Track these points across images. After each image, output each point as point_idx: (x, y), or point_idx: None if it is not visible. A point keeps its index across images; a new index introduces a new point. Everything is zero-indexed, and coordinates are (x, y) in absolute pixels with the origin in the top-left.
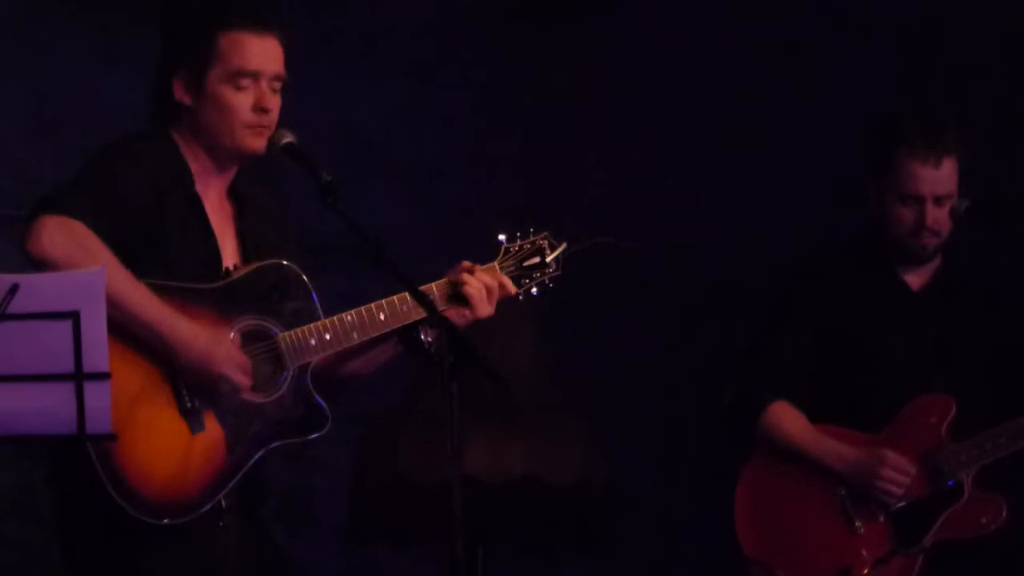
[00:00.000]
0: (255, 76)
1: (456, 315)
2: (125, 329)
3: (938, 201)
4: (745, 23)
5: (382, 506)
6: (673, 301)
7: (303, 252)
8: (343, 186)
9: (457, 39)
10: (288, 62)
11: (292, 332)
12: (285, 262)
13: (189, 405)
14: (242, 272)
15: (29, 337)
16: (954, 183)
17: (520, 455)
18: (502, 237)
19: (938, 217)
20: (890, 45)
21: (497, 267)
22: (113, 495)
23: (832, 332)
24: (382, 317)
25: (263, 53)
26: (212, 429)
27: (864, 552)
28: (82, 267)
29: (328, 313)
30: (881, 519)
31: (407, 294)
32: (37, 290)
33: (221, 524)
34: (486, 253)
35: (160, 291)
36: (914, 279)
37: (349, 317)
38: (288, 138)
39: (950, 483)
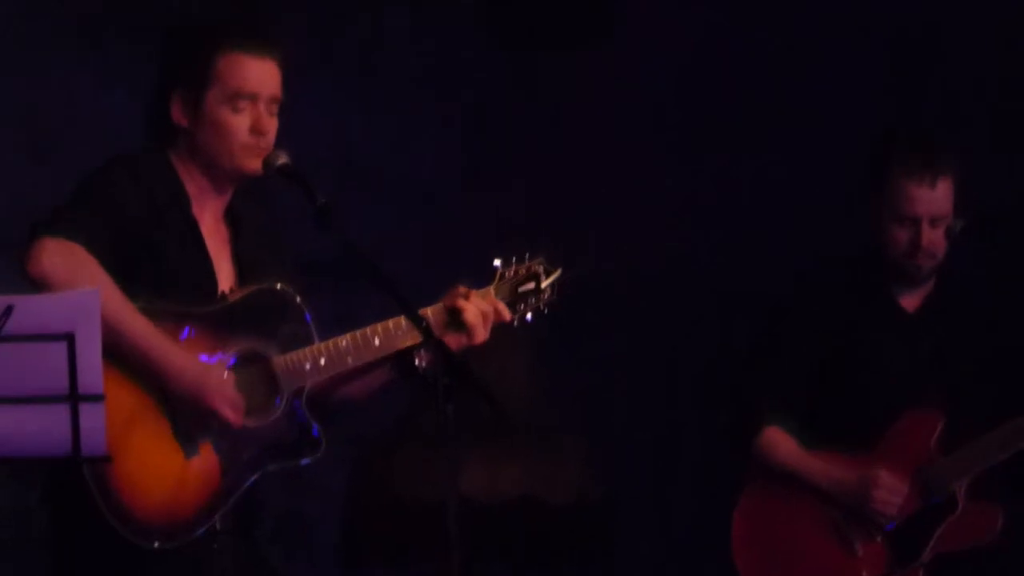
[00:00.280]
0: (253, 98)
1: (451, 340)
2: (118, 354)
3: (933, 222)
4: (737, 44)
5: (378, 528)
6: (670, 318)
7: (299, 274)
8: (338, 207)
9: (452, 62)
10: (286, 84)
11: (287, 356)
12: (281, 285)
13: (183, 429)
14: (238, 295)
15: (24, 358)
16: (949, 204)
17: (516, 475)
18: (497, 262)
19: (933, 238)
20: (886, 54)
21: (492, 292)
22: (107, 517)
23: (826, 353)
24: (377, 342)
25: (261, 75)
26: (206, 453)
27: (864, 573)
28: (80, 289)
29: (323, 335)
30: (878, 539)
31: (402, 318)
32: (32, 311)
33: (215, 547)
34: (482, 275)
35: (156, 314)
36: (909, 299)
37: (344, 341)
38: (283, 159)
39: (943, 497)
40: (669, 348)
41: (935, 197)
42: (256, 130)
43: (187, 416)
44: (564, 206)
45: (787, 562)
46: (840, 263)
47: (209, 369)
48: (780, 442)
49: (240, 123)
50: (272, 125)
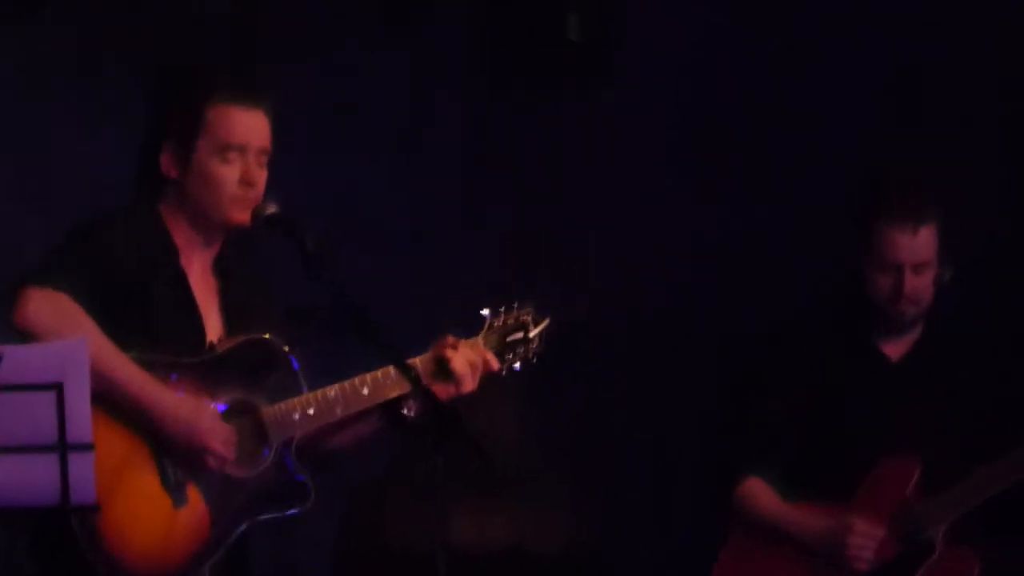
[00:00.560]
0: (242, 149)
1: (440, 390)
2: (109, 401)
3: (916, 269)
4: (734, 82)
5: None
6: (662, 363)
7: (288, 324)
8: (328, 256)
9: (443, 105)
10: (274, 135)
11: (275, 406)
12: (269, 336)
13: (172, 478)
14: (226, 346)
15: (12, 408)
16: (933, 251)
17: (505, 525)
18: (485, 312)
19: (917, 285)
20: (880, 94)
21: (481, 342)
22: (95, 566)
23: (808, 402)
24: (365, 391)
25: (250, 127)
26: (195, 503)
27: None
28: (67, 339)
29: (312, 384)
30: None
31: (390, 369)
32: (20, 361)
33: None
34: (472, 324)
35: (144, 365)
36: (894, 347)
37: (332, 392)
38: (272, 209)
39: (920, 542)
40: (661, 395)
41: (918, 244)
42: (245, 181)
43: (177, 462)
44: (557, 251)
45: None
46: (824, 310)
47: (201, 408)
48: (760, 494)
49: (229, 174)
50: (261, 176)
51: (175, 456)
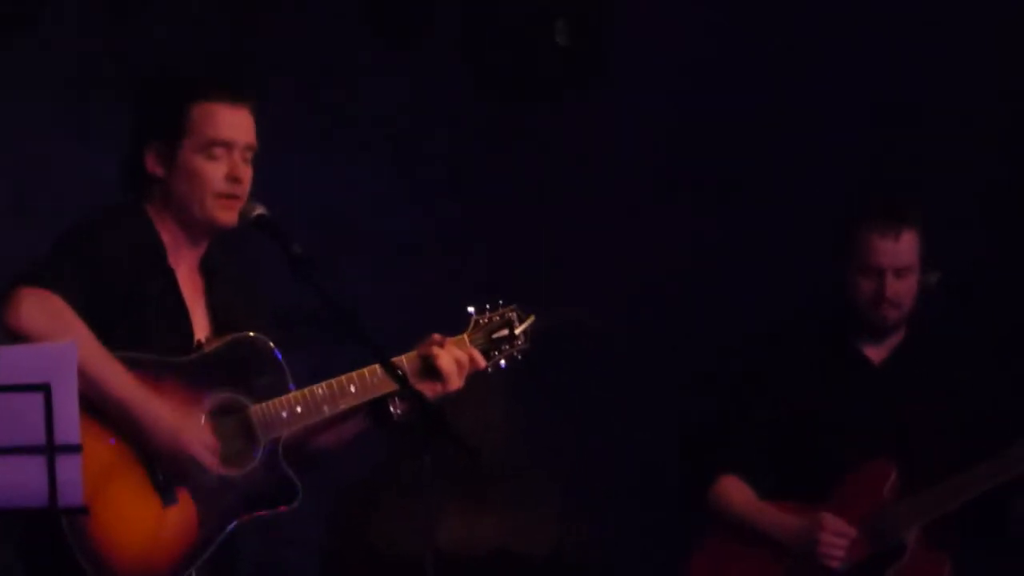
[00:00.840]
0: (228, 146)
1: (426, 388)
2: (96, 404)
3: (898, 273)
4: (722, 96)
5: None
6: (652, 363)
7: (274, 324)
8: (315, 258)
9: (432, 115)
10: (259, 132)
11: (263, 405)
12: (256, 335)
13: (161, 479)
14: (214, 345)
15: (0, 409)
16: (914, 256)
17: (493, 526)
18: (471, 309)
19: (898, 289)
20: (870, 118)
21: (467, 340)
22: (83, 567)
23: (789, 404)
24: (352, 390)
25: (236, 123)
26: (184, 503)
27: None
28: (58, 340)
29: (299, 385)
30: None
31: (376, 367)
32: (8, 362)
33: None
34: (459, 328)
35: (133, 364)
36: (876, 352)
37: (320, 390)
38: (259, 210)
39: (893, 543)
40: (650, 394)
41: (899, 249)
42: (232, 177)
43: (166, 463)
44: (545, 259)
45: None
46: (807, 315)
47: (186, 417)
48: (735, 492)
49: (216, 171)
50: (247, 173)
51: (164, 461)
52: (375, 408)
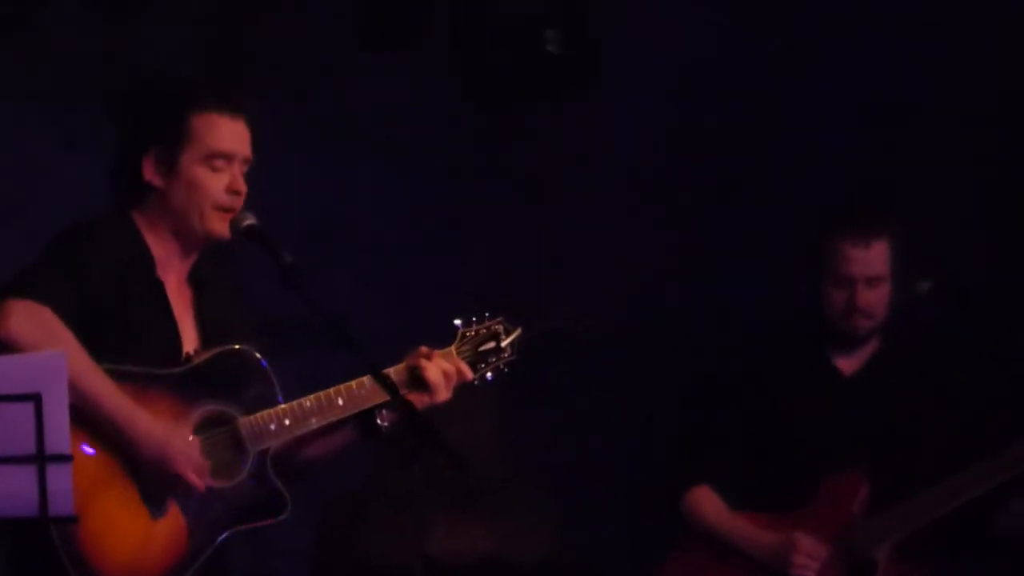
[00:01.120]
0: (229, 158)
1: (414, 400)
2: (85, 415)
3: (870, 283)
4: (715, 101)
5: None
6: (642, 373)
7: (263, 335)
8: (307, 268)
9: (425, 120)
10: (254, 139)
11: (252, 417)
12: (245, 347)
13: (150, 490)
14: (203, 357)
15: None
16: (885, 265)
17: (482, 536)
18: (458, 321)
19: (870, 299)
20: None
21: (454, 352)
22: None
23: (762, 417)
24: (340, 402)
25: (236, 135)
26: (174, 514)
27: None
28: (47, 351)
29: (288, 395)
30: None
31: (364, 379)
32: None
33: None
34: (446, 335)
35: (122, 376)
36: (848, 362)
37: (308, 402)
38: (249, 220)
39: (865, 559)
40: (639, 403)
41: (870, 258)
42: (233, 190)
43: (154, 477)
44: (539, 266)
45: None
46: (783, 325)
47: (174, 433)
48: (707, 502)
49: (217, 182)
50: (245, 186)
51: (151, 472)
52: (362, 420)
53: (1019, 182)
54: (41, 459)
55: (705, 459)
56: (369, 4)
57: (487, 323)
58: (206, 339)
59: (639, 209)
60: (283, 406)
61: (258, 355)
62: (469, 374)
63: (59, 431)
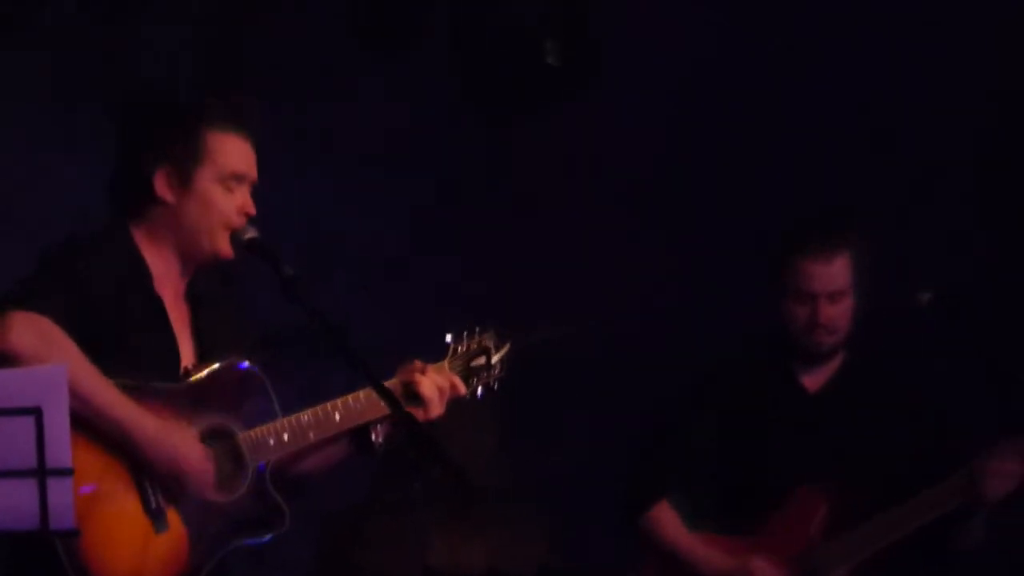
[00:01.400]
0: (242, 179)
1: (405, 416)
2: (91, 425)
3: (831, 298)
4: (708, 107)
5: None
6: (637, 388)
7: (262, 349)
8: (306, 279)
9: (420, 130)
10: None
11: (251, 431)
12: (243, 361)
13: (154, 504)
14: (202, 372)
15: None
16: (847, 279)
17: (481, 549)
18: (449, 336)
19: (832, 314)
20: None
21: (447, 367)
22: None
23: (725, 432)
24: (337, 417)
25: (248, 156)
26: (175, 528)
27: None
28: (49, 363)
29: (287, 409)
30: None
31: (360, 393)
32: None
33: None
34: (437, 349)
35: (122, 389)
36: (812, 378)
37: (306, 416)
38: (251, 233)
39: None
40: (635, 418)
41: (831, 273)
42: (245, 211)
43: (157, 487)
44: (537, 272)
45: None
46: (745, 342)
47: (181, 433)
48: (666, 522)
49: (230, 203)
50: None
51: (156, 481)
52: (357, 434)
53: (1019, 183)
54: (42, 473)
55: (667, 478)
56: (368, 6)
57: (478, 338)
58: (203, 354)
59: (636, 215)
60: (282, 420)
61: (257, 370)
62: (463, 389)
63: (60, 445)
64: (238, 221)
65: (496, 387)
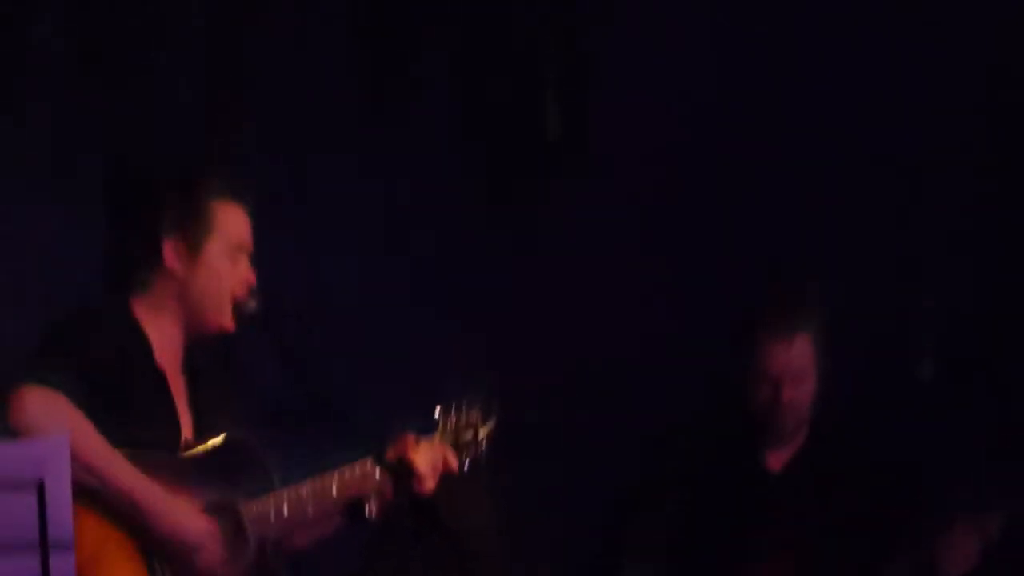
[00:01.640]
0: (245, 250)
1: (401, 489)
2: (98, 496)
3: (794, 378)
4: (706, 180)
5: None
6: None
7: (260, 421)
8: (306, 350)
9: (421, 199)
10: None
11: (253, 504)
12: (243, 435)
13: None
14: (202, 445)
15: None
16: (809, 360)
17: None
18: (438, 411)
19: (794, 395)
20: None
21: (438, 441)
22: None
23: (688, 510)
24: (334, 490)
25: (249, 227)
26: None
27: None
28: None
29: (286, 480)
30: None
31: (356, 466)
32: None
33: None
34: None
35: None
36: (776, 457)
37: (304, 489)
38: (253, 304)
39: None
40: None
41: (793, 354)
42: (248, 283)
43: (164, 561)
44: (534, 347)
45: None
46: (710, 418)
47: (191, 507)
48: None
49: (236, 274)
50: None
51: (163, 554)
52: (351, 507)
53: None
54: (44, 546)
55: (634, 550)
56: (371, 67)
57: (466, 413)
58: (201, 427)
59: (632, 288)
60: (281, 493)
61: (255, 444)
62: (455, 464)
63: (61, 518)
64: (241, 292)
65: (482, 463)
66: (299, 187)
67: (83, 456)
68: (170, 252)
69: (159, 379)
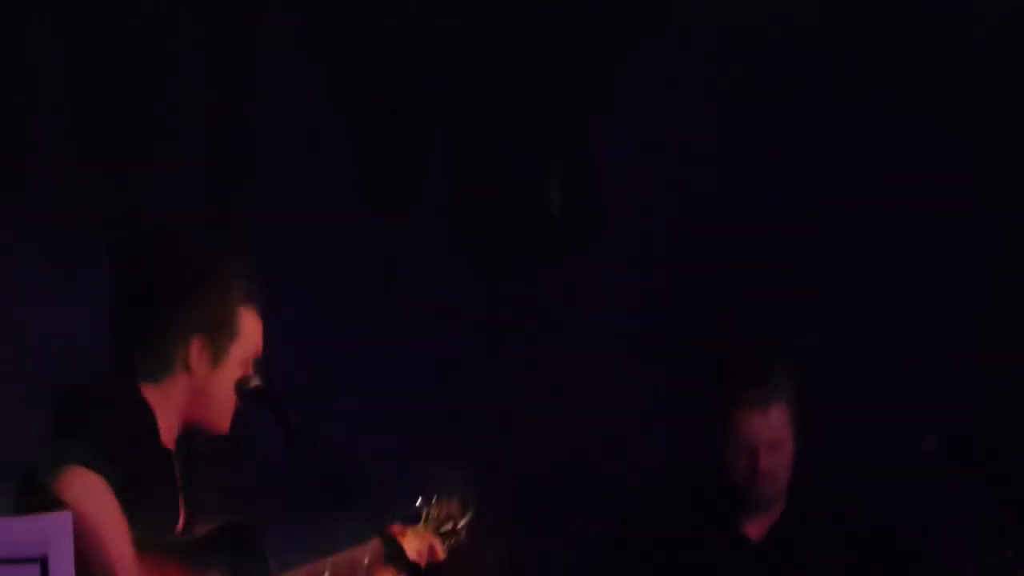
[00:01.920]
0: (256, 358)
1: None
2: None
3: (771, 448)
4: (713, 258)
5: None
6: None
7: (258, 502)
8: (310, 433)
9: (422, 280)
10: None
11: None
12: (241, 521)
13: None
14: (202, 527)
15: None
16: (786, 429)
17: None
18: (419, 501)
19: (772, 464)
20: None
21: (423, 531)
22: None
23: None
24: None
25: (262, 335)
26: None
27: None
28: (101, 520)
29: (283, 565)
30: None
31: (348, 553)
32: (4, 534)
33: None
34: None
35: (137, 544)
36: (754, 526)
37: (299, 574)
38: (255, 382)
39: None
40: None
41: (768, 424)
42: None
43: None
44: (533, 447)
45: None
46: (689, 488)
47: None
48: None
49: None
50: None
51: None
52: None
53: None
54: None
55: None
56: (363, 164)
57: (447, 504)
58: (193, 510)
59: (639, 369)
60: None
61: (254, 528)
62: (441, 554)
63: None
64: (242, 402)
65: (458, 552)
66: (302, 266)
67: (103, 541)
68: (196, 352)
69: (166, 459)
